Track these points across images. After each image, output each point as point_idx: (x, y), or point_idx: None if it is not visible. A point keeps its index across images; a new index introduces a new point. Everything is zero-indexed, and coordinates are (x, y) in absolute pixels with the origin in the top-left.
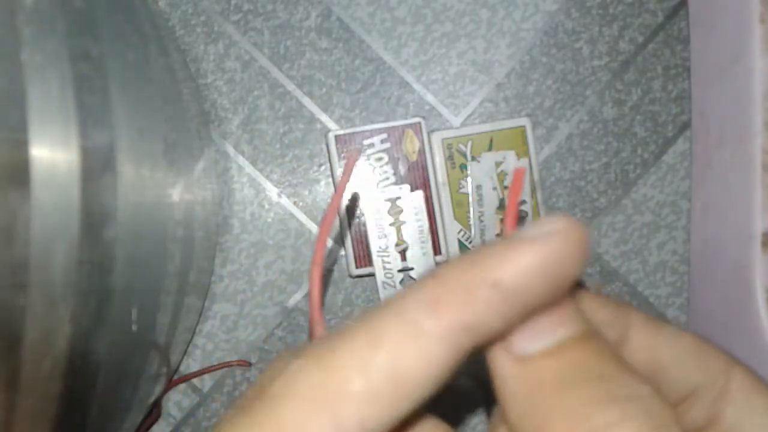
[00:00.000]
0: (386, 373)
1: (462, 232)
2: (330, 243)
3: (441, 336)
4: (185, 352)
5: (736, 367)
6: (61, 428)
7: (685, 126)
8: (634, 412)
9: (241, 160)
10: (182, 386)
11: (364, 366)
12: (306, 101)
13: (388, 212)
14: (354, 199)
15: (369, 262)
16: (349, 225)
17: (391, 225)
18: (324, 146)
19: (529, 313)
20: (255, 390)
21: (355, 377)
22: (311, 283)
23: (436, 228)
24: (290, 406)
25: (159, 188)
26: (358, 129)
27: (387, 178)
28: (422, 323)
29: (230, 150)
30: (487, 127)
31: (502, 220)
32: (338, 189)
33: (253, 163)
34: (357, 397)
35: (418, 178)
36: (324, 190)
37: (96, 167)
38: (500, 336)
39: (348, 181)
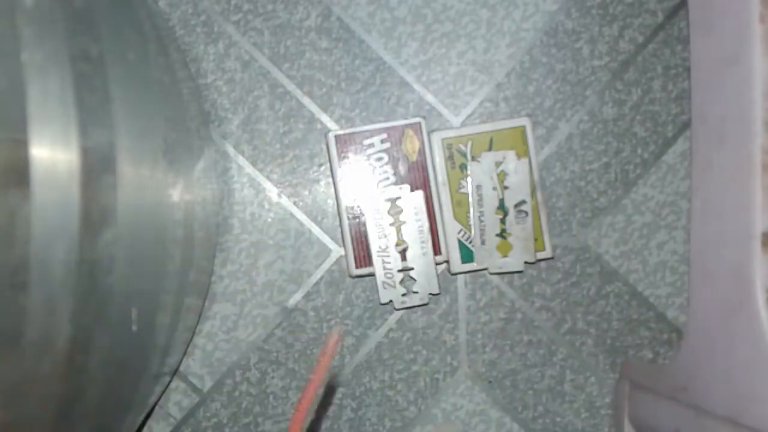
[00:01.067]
0: None
1: (462, 232)
2: (331, 247)
3: None
4: (185, 352)
5: None
6: (61, 428)
7: (685, 126)
8: None
9: (241, 160)
10: (182, 386)
11: None
12: (306, 101)
13: (388, 212)
14: (354, 199)
15: (369, 262)
16: (349, 225)
17: (391, 225)
18: (324, 146)
19: None
20: None
21: None
22: None
23: (436, 228)
24: None
25: (159, 188)
26: (358, 129)
27: (387, 178)
28: None
29: (230, 150)
30: (487, 127)
31: (502, 221)
32: (317, 373)
33: (253, 163)
34: None
35: (418, 178)
36: (324, 190)
37: (96, 167)
38: None
39: (328, 364)
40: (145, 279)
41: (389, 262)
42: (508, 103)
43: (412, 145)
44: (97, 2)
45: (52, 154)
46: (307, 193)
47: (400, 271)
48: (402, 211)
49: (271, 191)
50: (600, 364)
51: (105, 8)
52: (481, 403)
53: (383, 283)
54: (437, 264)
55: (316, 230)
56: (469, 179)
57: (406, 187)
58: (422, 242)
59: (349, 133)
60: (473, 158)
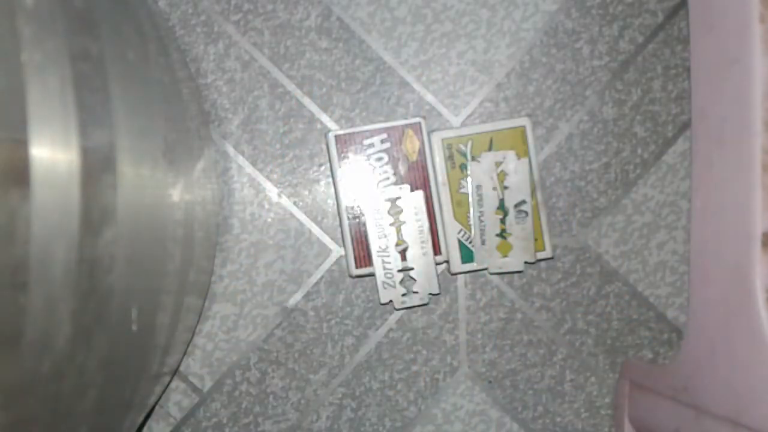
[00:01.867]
0: None
1: (462, 232)
2: (331, 247)
3: None
4: (185, 352)
5: None
6: (61, 428)
7: (685, 126)
8: None
9: (241, 160)
10: (182, 386)
11: None
12: (306, 101)
13: (388, 212)
14: (354, 199)
15: (369, 262)
16: (349, 225)
17: (391, 225)
18: (324, 146)
19: None
20: None
21: None
22: None
23: (436, 228)
24: None
25: (159, 188)
26: (358, 129)
27: (387, 178)
28: None
29: (230, 150)
30: (487, 127)
31: (502, 221)
32: None
33: (253, 163)
34: None
35: (418, 178)
36: (324, 190)
37: (96, 167)
38: None
39: None
40: (145, 278)
41: (389, 262)
42: (508, 103)
43: (412, 145)
44: (97, 2)
45: (52, 154)
46: (307, 193)
47: (400, 271)
48: (402, 211)
49: (271, 191)
50: (600, 364)
51: (105, 8)
52: (481, 403)
53: (383, 283)
54: (437, 264)
55: (316, 230)
56: (469, 179)
57: (406, 187)
58: (422, 242)
59: (349, 133)
60: (473, 158)
